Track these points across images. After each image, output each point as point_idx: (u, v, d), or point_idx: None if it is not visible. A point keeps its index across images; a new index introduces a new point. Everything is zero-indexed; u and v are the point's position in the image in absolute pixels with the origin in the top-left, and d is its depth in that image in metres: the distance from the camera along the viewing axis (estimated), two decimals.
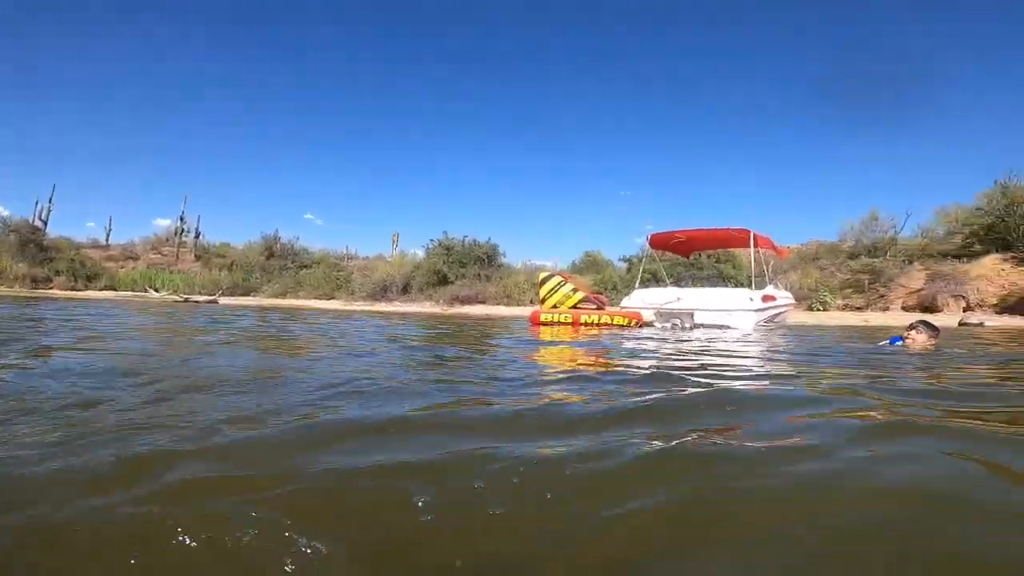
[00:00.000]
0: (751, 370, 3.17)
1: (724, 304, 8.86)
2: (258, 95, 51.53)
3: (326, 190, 55.19)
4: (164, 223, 39.42)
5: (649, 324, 9.46)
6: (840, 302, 18.52)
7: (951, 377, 2.87)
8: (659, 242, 11.39)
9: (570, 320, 8.62)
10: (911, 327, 4.58)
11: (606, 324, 8.58)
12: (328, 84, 51.82)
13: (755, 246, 10.16)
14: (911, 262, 18.89)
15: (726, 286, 11.09)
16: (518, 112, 50.82)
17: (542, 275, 9.30)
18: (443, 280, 27.16)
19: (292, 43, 50.66)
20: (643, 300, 9.83)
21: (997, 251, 17.37)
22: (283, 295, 30.34)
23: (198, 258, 36.05)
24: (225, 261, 34.50)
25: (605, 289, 21.31)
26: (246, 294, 30.53)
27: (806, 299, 19.20)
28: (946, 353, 4.32)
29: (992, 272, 16.62)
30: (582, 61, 48.32)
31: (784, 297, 10.52)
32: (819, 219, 58.11)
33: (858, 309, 17.87)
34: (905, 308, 16.91)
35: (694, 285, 10.78)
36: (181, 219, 37.15)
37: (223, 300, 24.55)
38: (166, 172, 52.44)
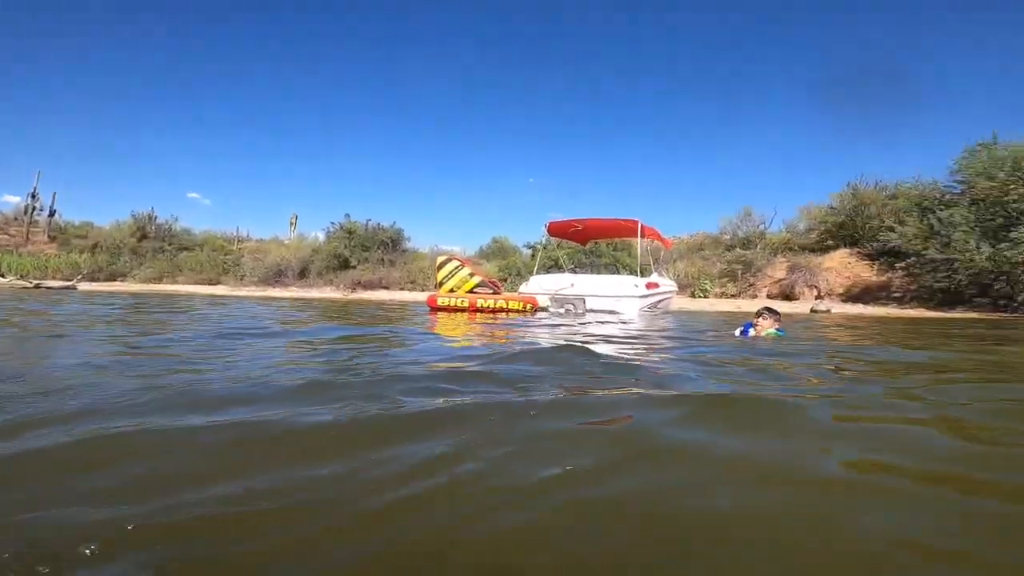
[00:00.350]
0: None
1: (611, 291, 9.38)
2: (131, 66, 45.62)
3: (214, 168, 50.50)
4: (14, 200, 34.00)
5: (544, 309, 9.77)
6: (718, 290, 20.35)
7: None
8: (557, 230, 11.77)
9: (467, 305, 8.66)
10: (758, 314, 5.10)
11: (502, 309, 8.73)
12: (215, 56, 47.12)
13: (642, 236, 10.82)
14: (776, 255, 21.21)
15: (618, 273, 11.75)
16: (427, 97, 49.71)
17: (439, 259, 9.24)
18: (344, 264, 26.05)
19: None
20: (540, 286, 10.13)
21: (846, 246, 19.99)
22: (158, 280, 27.40)
23: (53, 239, 31.47)
24: (86, 243, 30.42)
25: (510, 275, 21.68)
26: (112, 279, 27.17)
27: (690, 287, 20.91)
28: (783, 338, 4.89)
29: (840, 265, 19.13)
30: (489, 48, 48.17)
31: (667, 284, 11.35)
32: (708, 212, 63.31)
33: (733, 296, 19.76)
34: (770, 296, 18.97)
35: (593, 272, 11.29)
36: (33, 196, 32.07)
37: (84, 286, 21.59)
38: (14, 145, 44.82)
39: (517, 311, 8.86)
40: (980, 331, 7.39)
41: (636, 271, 10.48)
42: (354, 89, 49.00)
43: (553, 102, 49.31)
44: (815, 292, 18.28)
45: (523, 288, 10.43)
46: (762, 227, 22.75)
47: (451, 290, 8.94)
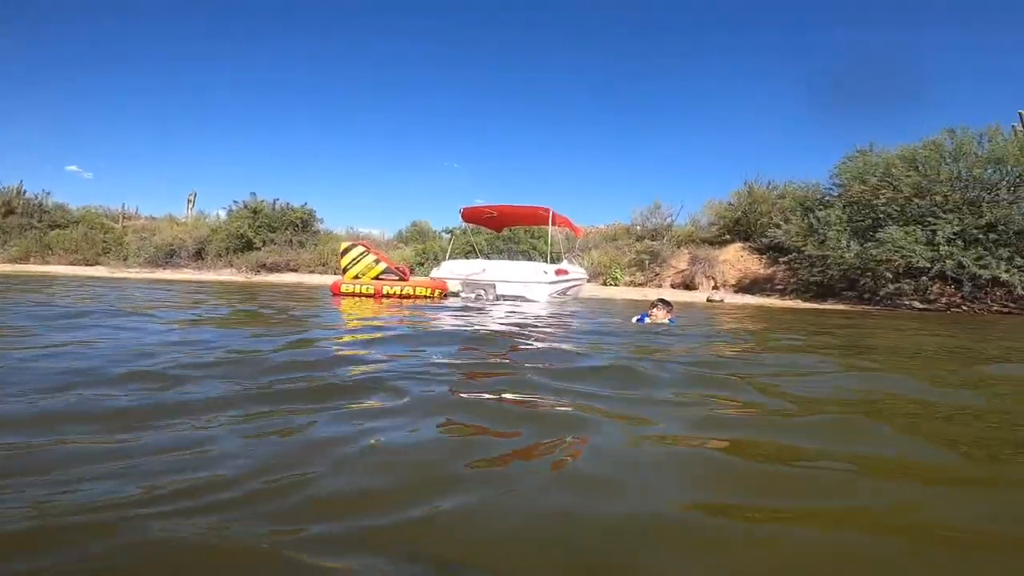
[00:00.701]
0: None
1: (521, 276, 9.50)
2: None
3: (98, 138, 44.92)
4: None
5: (455, 295, 9.70)
6: (627, 279, 21.33)
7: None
8: (471, 217, 11.70)
9: (372, 292, 8.39)
10: (653, 305, 5.37)
11: (409, 296, 8.55)
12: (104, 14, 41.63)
13: (553, 223, 11.03)
14: (681, 247, 22.56)
15: (531, 260, 11.89)
16: (348, 77, 47.24)
17: (343, 245, 8.86)
18: (248, 246, 24.34)
19: None
20: (452, 271, 10.04)
21: (740, 241, 21.64)
22: (23, 259, 24.11)
23: None
24: None
25: (427, 259, 21.33)
26: None
27: (601, 275, 21.74)
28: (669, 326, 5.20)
29: (734, 258, 20.71)
30: (417, 30, 46.64)
31: (578, 272, 11.66)
32: (628, 204, 65.89)
33: (640, 285, 20.80)
34: (673, 285, 20.18)
35: (509, 259, 11.35)
36: None
37: None
38: None
39: (425, 297, 8.71)
40: (833, 320, 8.36)
41: (549, 258, 10.68)
42: (267, 64, 45.57)
43: (479, 86, 48.81)
44: (712, 283, 19.68)
45: (435, 273, 10.28)
46: (669, 220, 24.06)
47: (356, 276, 8.62)
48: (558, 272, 10.05)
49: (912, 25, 38.89)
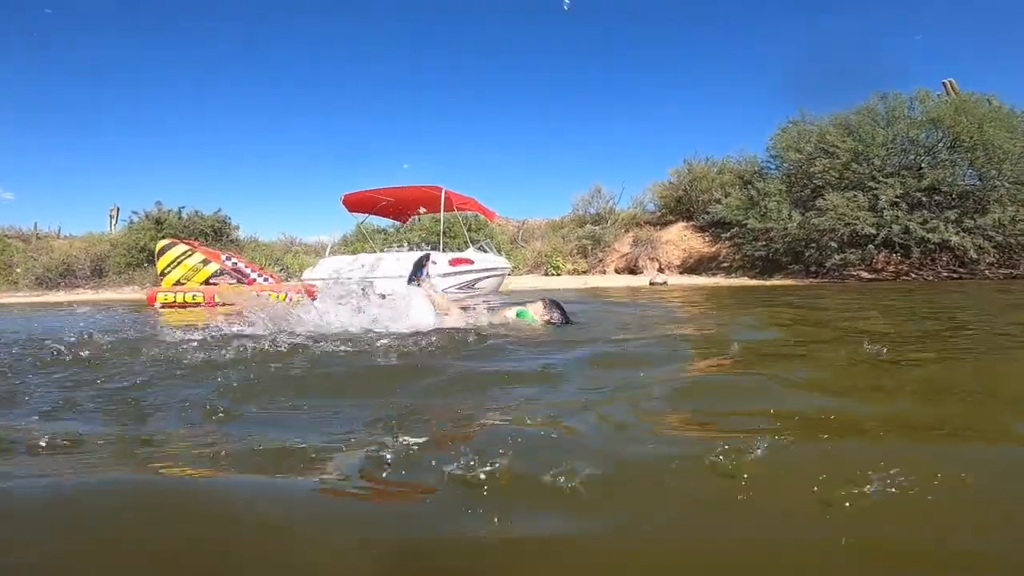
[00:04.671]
0: None
1: (405, 270, 7.84)
2: None
3: (18, 157, 40.58)
4: None
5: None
6: (570, 267, 19.96)
7: None
8: (358, 204, 9.95)
9: (202, 299, 6.57)
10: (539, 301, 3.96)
11: None
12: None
13: (453, 207, 9.47)
14: (627, 231, 21.34)
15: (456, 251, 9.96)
16: (287, 77, 44.37)
17: (160, 244, 7.06)
18: (153, 259, 21.83)
19: None
20: (327, 270, 8.31)
21: (683, 220, 20.57)
22: None
23: None
24: None
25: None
26: None
27: (542, 265, 20.32)
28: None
29: (677, 238, 19.59)
30: (360, 31, 44.15)
31: (490, 261, 9.99)
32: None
33: (583, 272, 19.46)
34: (617, 271, 18.92)
35: (390, 250, 9.69)
36: None
37: None
38: None
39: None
40: (771, 295, 7.04)
41: (442, 246, 8.99)
42: (197, 68, 42.26)
43: (428, 86, 46.69)
44: (656, 265, 18.50)
45: (307, 274, 8.53)
46: (611, 203, 22.81)
47: (178, 282, 6.81)
48: (455, 262, 8.45)
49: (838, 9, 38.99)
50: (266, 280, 7.92)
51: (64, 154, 41.30)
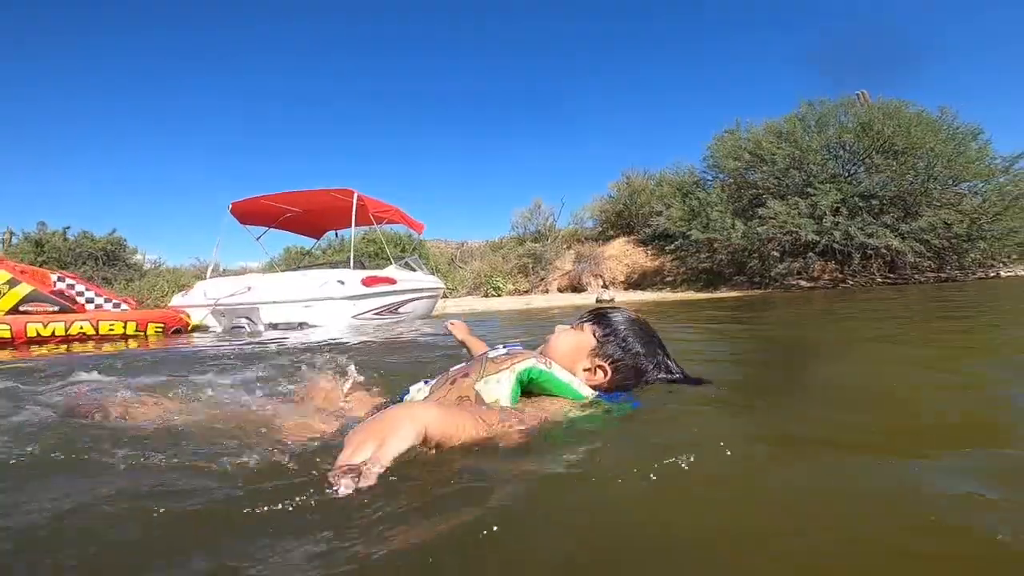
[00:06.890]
0: None
1: (299, 293, 6.35)
2: None
3: None
4: None
5: (200, 328, 6.36)
6: (511, 287, 18.84)
7: None
8: (251, 215, 8.32)
9: (9, 333, 4.83)
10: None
11: (84, 336, 5.12)
12: None
13: (371, 217, 8.08)
14: (569, 248, 20.58)
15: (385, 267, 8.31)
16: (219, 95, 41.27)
17: None
18: None
19: None
20: (205, 294, 6.66)
21: (624, 235, 20.06)
22: None
23: None
24: None
25: None
26: None
27: (482, 286, 19.08)
28: None
29: (620, 253, 18.98)
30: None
31: (417, 281, 8.52)
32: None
33: (525, 292, 18.40)
34: (560, 289, 17.99)
35: (291, 269, 8.16)
36: None
37: None
38: None
39: (123, 336, 5.34)
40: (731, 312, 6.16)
41: (353, 262, 7.50)
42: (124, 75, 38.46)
43: (367, 105, 44.91)
44: (600, 281, 17.74)
45: (179, 299, 6.84)
46: (551, 219, 22.06)
47: None
48: (370, 281, 6.99)
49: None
50: (117, 306, 6.20)
51: None
